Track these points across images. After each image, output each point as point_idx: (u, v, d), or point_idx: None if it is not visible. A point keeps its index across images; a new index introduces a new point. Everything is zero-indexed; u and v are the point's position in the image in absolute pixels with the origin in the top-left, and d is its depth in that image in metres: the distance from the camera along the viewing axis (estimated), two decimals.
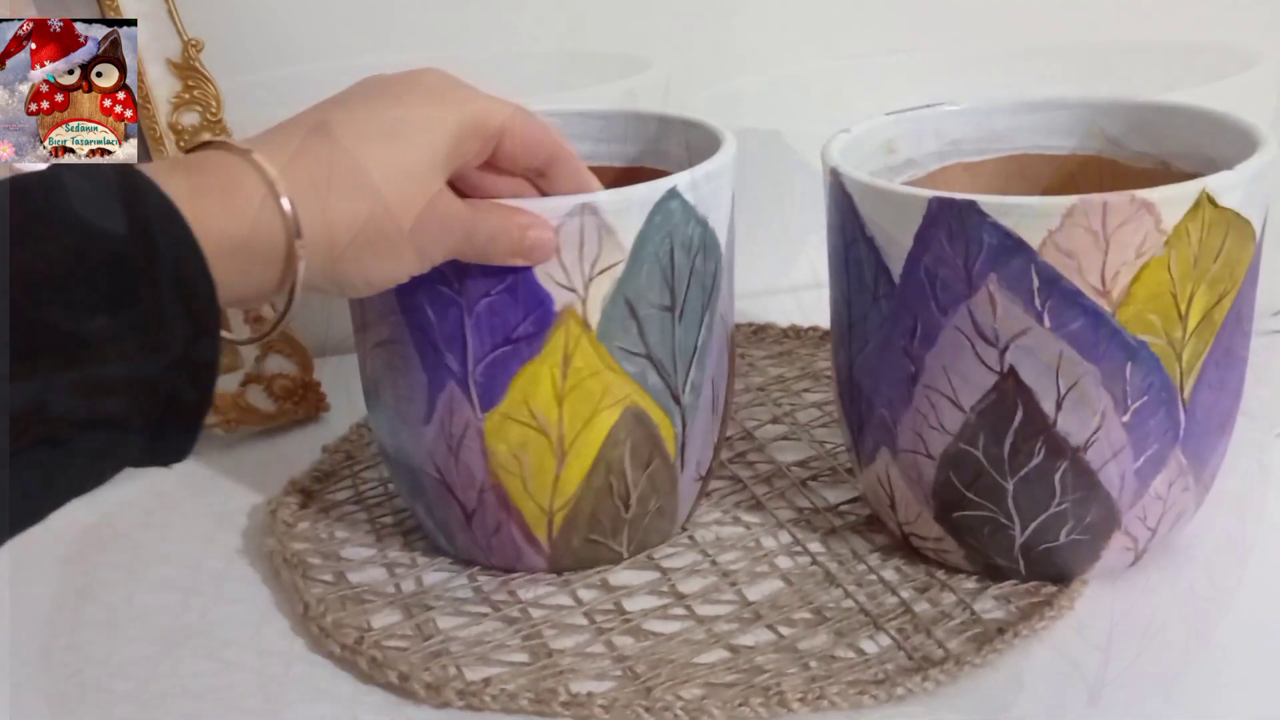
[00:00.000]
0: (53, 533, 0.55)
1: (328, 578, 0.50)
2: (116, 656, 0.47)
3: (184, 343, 0.31)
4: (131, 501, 0.58)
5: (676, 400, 0.47)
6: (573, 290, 0.44)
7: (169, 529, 0.56)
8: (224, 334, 0.34)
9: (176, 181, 0.33)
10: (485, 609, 0.48)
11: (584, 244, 0.43)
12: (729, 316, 0.50)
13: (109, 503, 0.58)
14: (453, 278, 0.44)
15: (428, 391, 0.46)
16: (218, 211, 0.34)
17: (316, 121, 0.38)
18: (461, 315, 0.44)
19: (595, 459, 0.47)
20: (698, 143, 0.50)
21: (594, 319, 0.45)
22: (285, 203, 0.35)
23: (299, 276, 0.36)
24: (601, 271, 0.44)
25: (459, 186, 0.43)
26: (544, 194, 0.45)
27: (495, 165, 0.43)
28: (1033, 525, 0.44)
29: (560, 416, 0.46)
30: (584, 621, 0.47)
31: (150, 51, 0.60)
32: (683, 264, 0.45)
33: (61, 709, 0.44)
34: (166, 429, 0.32)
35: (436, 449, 0.47)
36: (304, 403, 0.64)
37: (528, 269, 0.43)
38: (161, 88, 0.60)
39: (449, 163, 0.40)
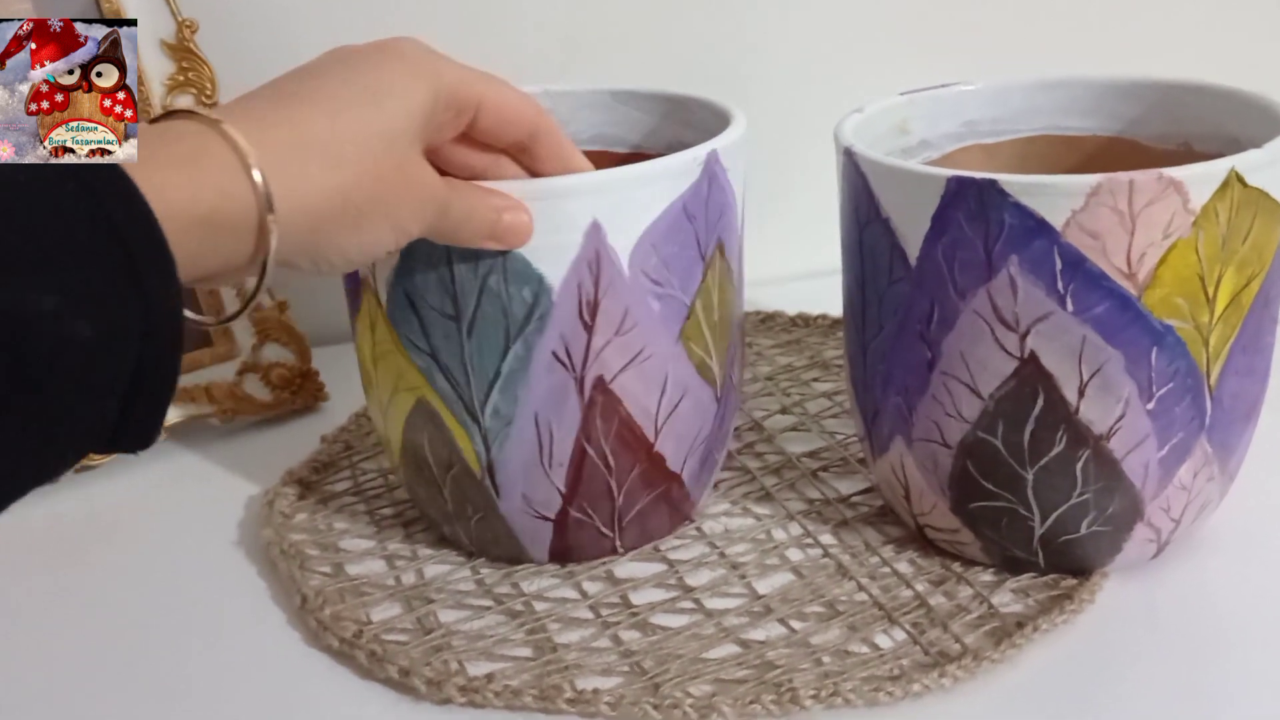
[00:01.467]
0: (45, 523, 0.55)
1: (326, 569, 0.49)
2: (110, 649, 0.46)
3: (141, 318, 0.30)
4: (125, 492, 0.57)
5: (474, 417, 0.45)
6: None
7: (163, 520, 0.55)
8: (189, 314, 0.33)
9: (138, 152, 0.32)
10: (488, 602, 0.46)
11: None
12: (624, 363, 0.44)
13: (102, 494, 0.57)
14: None
15: None
16: (181, 182, 0.32)
17: (287, 90, 0.37)
18: None
19: (403, 435, 0.47)
20: (707, 122, 0.49)
21: (384, 297, 0.44)
22: (256, 174, 0.33)
23: (271, 251, 0.34)
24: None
25: (434, 162, 0.41)
26: (531, 172, 0.44)
27: (473, 140, 0.42)
28: (1053, 516, 0.43)
29: (376, 380, 0.47)
30: (589, 615, 0.45)
31: (144, 33, 0.59)
32: (467, 278, 0.42)
33: (54, 702, 0.43)
34: (130, 412, 0.31)
35: None
36: (302, 392, 0.63)
37: None
38: (156, 70, 0.59)
39: (424, 132, 0.39)
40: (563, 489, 0.46)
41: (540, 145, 0.43)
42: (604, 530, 0.48)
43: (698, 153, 0.44)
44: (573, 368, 0.44)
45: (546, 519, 0.47)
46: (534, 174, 0.44)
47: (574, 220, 0.42)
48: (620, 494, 0.47)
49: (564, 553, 0.48)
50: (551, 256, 0.42)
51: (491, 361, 0.44)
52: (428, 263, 0.43)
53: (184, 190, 0.32)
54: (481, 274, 0.42)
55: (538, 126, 0.42)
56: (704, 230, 0.45)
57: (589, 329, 0.43)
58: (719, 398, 0.48)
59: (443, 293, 0.43)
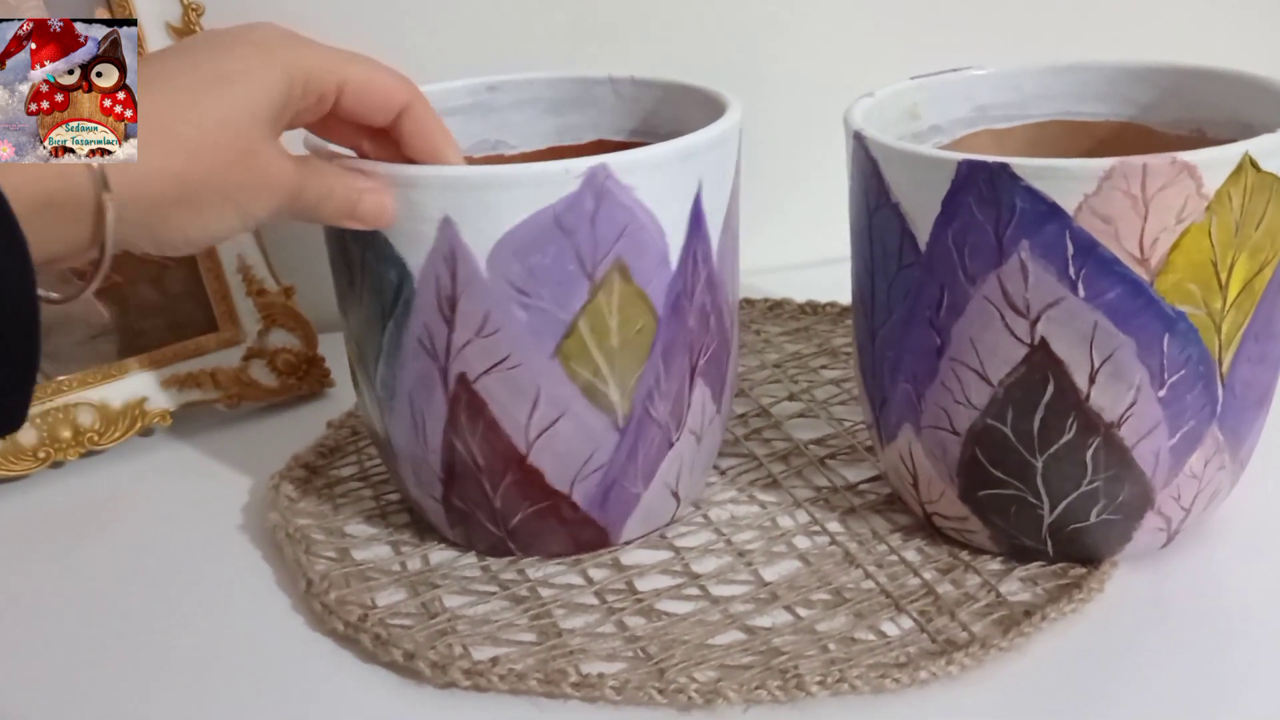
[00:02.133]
0: (50, 508, 0.55)
1: (331, 554, 0.49)
2: (115, 632, 0.46)
3: None
4: (130, 477, 0.57)
5: (370, 384, 0.46)
6: None
7: (169, 504, 0.54)
8: (41, 292, 0.33)
9: None
10: (493, 588, 0.46)
11: None
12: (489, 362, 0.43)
13: (107, 478, 0.57)
14: None
15: None
16: (23, 164, 0.33)
17: (139, 75, 0.37)
18: None
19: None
20: (706, 110, 0.48)
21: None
22: None
23: (109, 231, 0.35)
24: None
25: (321, 135, 0.43)
26: (401, 157, 0.43)
27: (344, 120, 0.42)
28: (1062, 505, 0.43)
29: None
30: (594, 601, 0.45)
31: (150, 16, 0.59)
32: (354, 250, 0.44)
33: (58, 685, 0.43)
34: None
35: None
36: (308, 378, 0.63)
37: None
38: None
39: (276, 118, 0.38)
40: (440, 474, 0.46)
41: (404, 130, 0.42)
42: (490, 527, 0.47)
43: (574, 164, 0.41)
44: (436, 358, 0.44)
45: (436, 500, 0.47)
46: (405, 159, 0.43)
47: (425, 212, 0.41)
48: (496, 497, 0.46)
49: (467, 539, 0.48)
50: (411, 244, 0.42)
51: (375, 335, 0.45)
52: (333, 229, 0.45)
53: (26, 172, 0.33)
54: (363, 248, 0.44)
55: (406, 110, 0.42)
56: (589, 247, 0.42)
57: (449, 323, 0.43)
58: (622, 429, 0.45)
59: (343, 261, 0.45)
